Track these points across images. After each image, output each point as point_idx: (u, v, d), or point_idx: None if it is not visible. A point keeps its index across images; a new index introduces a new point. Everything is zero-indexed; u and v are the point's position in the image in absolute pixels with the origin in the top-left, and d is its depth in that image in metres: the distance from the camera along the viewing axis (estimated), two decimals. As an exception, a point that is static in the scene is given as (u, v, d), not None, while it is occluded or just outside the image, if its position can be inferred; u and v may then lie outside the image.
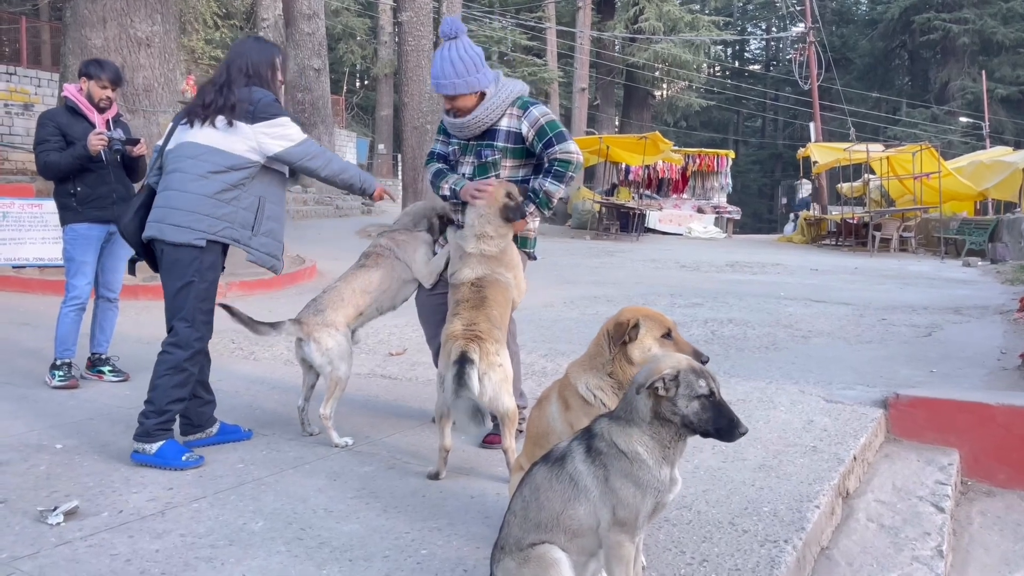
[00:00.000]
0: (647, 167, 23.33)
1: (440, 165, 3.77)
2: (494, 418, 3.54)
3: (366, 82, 43.55)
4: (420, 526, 2.77)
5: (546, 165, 3.57)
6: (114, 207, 4.71)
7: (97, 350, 4.92)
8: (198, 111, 3.47)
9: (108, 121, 4.81)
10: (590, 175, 30.61)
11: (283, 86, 3.75)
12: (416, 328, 6.42)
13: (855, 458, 3.59)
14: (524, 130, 3.57)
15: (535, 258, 3.88)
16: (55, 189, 4.75)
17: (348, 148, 25.05)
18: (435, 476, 3.27)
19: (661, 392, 1.96)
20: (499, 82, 3.61)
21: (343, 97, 36.11)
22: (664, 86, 40.90)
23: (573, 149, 3.53)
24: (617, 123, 40.35)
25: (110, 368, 4.90)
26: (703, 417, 1.95)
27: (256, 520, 2.79)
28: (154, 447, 3.30)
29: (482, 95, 3.56)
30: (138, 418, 3.35)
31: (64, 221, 4.77)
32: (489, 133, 3.62)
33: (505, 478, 3.10)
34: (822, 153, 21.39)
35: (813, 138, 25.91)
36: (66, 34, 9.00)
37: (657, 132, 22.08)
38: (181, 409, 3.45)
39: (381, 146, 31.76)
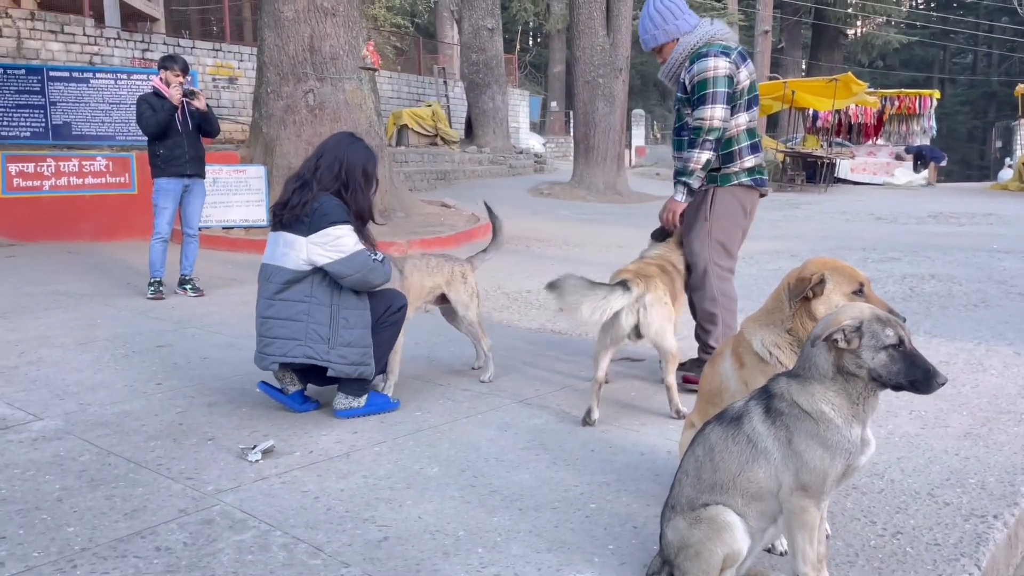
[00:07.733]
0: (837, 112, 21.70)
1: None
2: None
3: (539, 39, 43.55)
4: (589, 480, 2.76)
5: None
6: (187, 164, 6.23)
7: (184, 272, 6.46)
8: (278, 212, 3.41)
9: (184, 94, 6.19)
10: (773, 123, 29.01)
11: (374, 192, 3.58)
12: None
13: (1083, 430, 3.17)
14: (687, 83, 3.59)
15: (756, 186, 3.80)
16: (148, 152, 6.23)
17: (521, 107, 25.14)
18: (587, 415, 3.30)
19: (842, 344, 1.80)
20: (695, 31, 3.61)
21: (516, 56, 36.30)
22: (858, 23, 37.72)
23: (706, 115, 3.49)
24: (804, 67, 37.88)
25: (191, 286, 6.40)
26: (892, 369, 1.77)
27: (432, 466, 2.89)
28: (362, 400, 3.48)
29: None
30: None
31: (152, 176, 6.25)
32: (679, 83, 3.68)
33: (677, 439, 3.01)
34: (1046, 88, 18.90)
35: (1036, 72, 22.93)
36: (261, 8, 9.64)
37: (849, 73, 20.41)
38: None
39: (554, 103, 31.72)
